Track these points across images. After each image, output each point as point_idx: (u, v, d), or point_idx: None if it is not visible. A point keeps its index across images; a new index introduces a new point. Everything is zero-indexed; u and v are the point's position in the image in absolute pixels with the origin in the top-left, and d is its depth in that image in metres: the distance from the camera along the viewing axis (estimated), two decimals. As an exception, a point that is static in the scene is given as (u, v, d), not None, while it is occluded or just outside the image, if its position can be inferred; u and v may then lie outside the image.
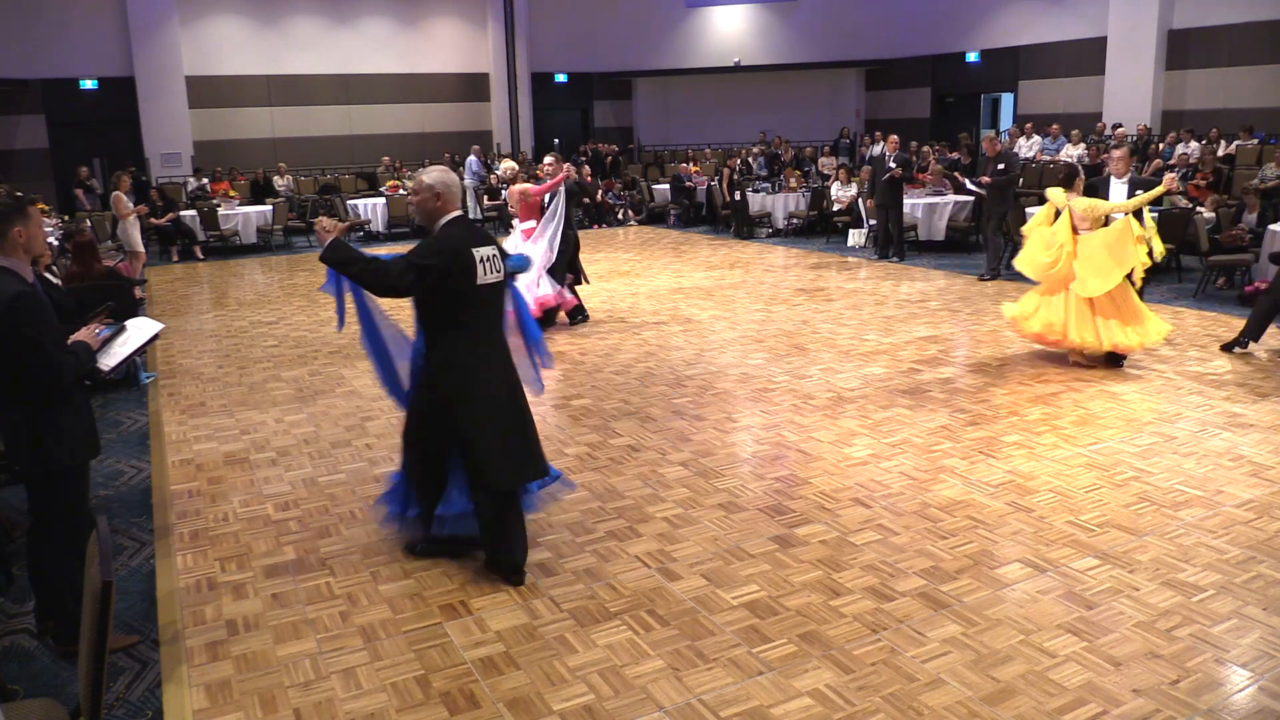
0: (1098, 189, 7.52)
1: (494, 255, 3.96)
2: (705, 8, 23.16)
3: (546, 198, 8.72)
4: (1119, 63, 17.76)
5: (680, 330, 8.84)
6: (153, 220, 14.34)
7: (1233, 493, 4.79)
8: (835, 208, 14.94)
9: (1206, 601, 3.75)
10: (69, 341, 3.47)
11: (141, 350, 4.02)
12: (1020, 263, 7.36)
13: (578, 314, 9.23)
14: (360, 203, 16.87)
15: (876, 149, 16.20)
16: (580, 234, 9.58)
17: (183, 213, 15.11)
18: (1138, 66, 17.47)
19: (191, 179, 18.09)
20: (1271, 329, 7.51)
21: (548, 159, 9.15)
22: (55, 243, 10.06)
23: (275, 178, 18.35)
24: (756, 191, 16.28)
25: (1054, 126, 17.68)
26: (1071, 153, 16.38)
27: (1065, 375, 6.99)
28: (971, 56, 21.17)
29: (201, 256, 14.93)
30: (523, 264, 4.56)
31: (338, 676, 3.42)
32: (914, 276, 11.53)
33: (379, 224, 16.67)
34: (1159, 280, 10.35)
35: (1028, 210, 11.70)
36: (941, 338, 8.28)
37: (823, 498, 4.87)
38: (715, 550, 4.32)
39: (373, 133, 21.31)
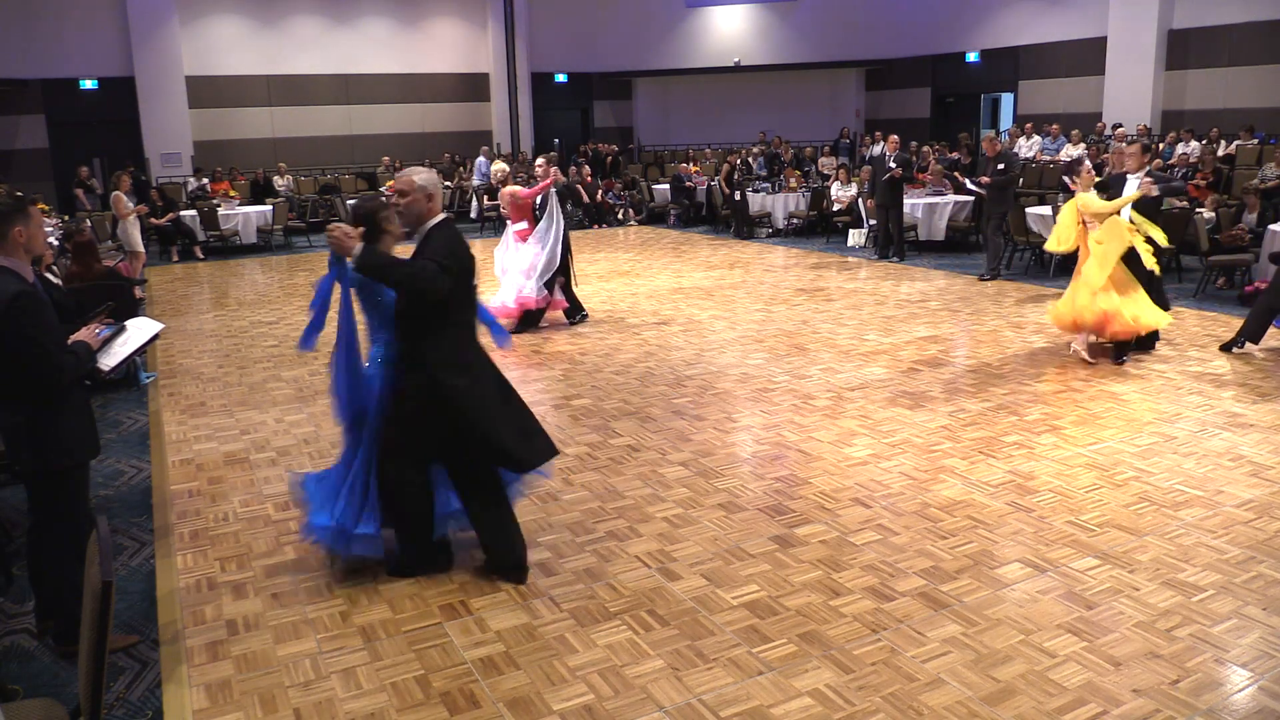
0: (1108, 187, 7.65)
1: None
2: (705, 8, 23.16)
3: (539, 199, 8.74)
4: (1119, 63, 17.76)
5: (680, 330, 8.85)
6: (153, 220, 14.34)
7: (1233, 493, 4.79)
8: (835, 208, 14.94)
9: (1206, 601, 3.75)
10: (69, 341, 3.47)
11: (141, 350, 4.02)
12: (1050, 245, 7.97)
13: (576, 313, 9.23)
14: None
15: (876, 149, 16.20)
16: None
17: (183, 213, 15.11)
18: (1138, 66, 17.47)
19: (191, 179, 18.09)
20: (1272, 329, 7.51)
21: (539, 160, 9.18)
22: (55, 243, 10.06)
23: (275, 178, 18.36)
24: (756, 191, 16.28)
25: (1054, 126, 17.68)
26: (1071, 153, 16.38)
27: (1065, 375, 6.99)
28: (971, 56, 21.17)
29: (201, 256, 14.93)
30: None
31: (338, 676, 3.42)
32: (914, 276, 11.53)
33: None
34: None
35: (1028, 210, 11.73)
36: (941, 338, 8.28)
37: (823, 498, 4.87)
38: (715, 550, 4.32)
39: (373, 133, 21.31)
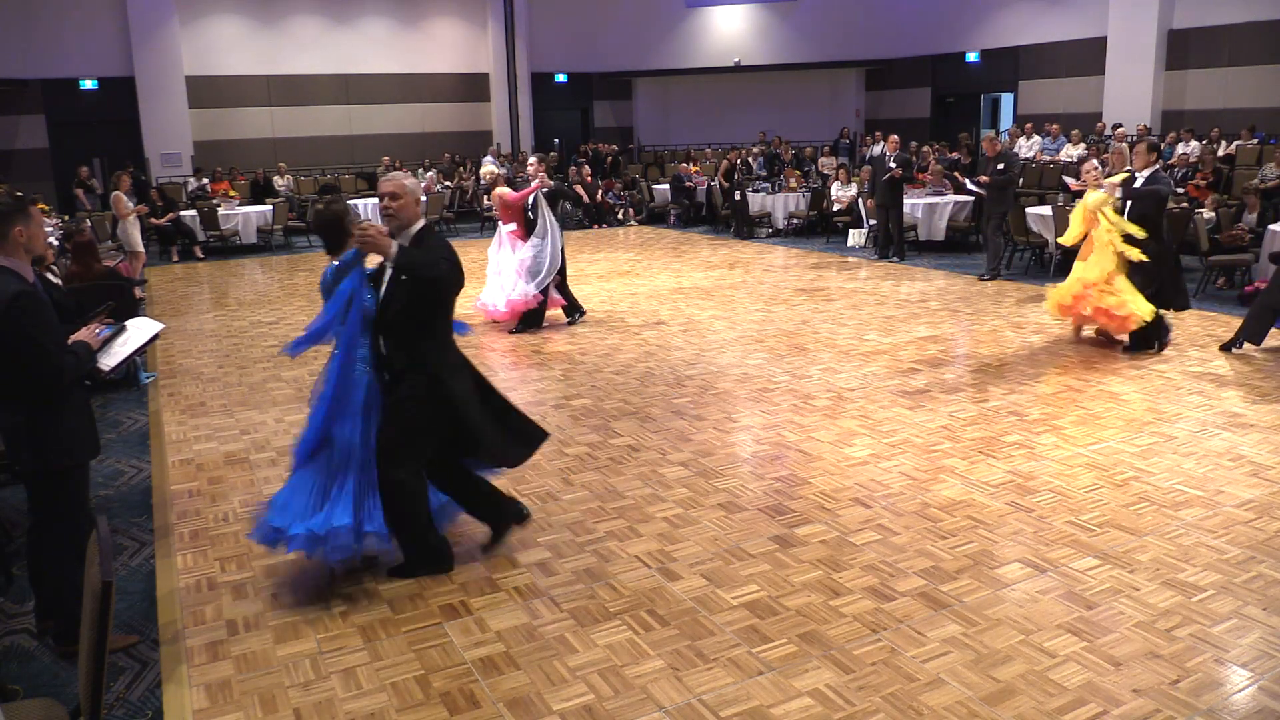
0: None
1: None
2: (705, 8, 23.15)
3: (530, 200, 8.74)
4: (1119, 63, 17.75)
5: (680, 330, 8.84)
6: (153, 220, 14.34)
7: (1233, 493, 4.79)
8: (835, 208, 14.94)
9: (1206, 601, 3.75)
10: (69, 341, 3.47)
11: (141, 350, 4.02)
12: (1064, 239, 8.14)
13: (573, 312, 9.24)
14: (360, 203, 16.84)
15: (876, 149, 16.19)
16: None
17: (183, 213, 15.11)
18: (1138, 66, 17.46)
19: (191, 179, 18.09)
20: (1272, 330, 7.51)
21: (531, 159, 9.20)
22: (55, 243, 10.06)
23: (275, 178, 18.35)
24: (756, 191, 16.28)
25: (1054, 126, 17.68)
26: (1072, 153, 16.38)
27: (1065, 375, 7.00)
28: (971, 56, 21.17)
29: (201, 256, 14.93)
30: None
31: (338, 676, 3.42)
32: (914, 276, 11.53)
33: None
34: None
35: (1028, 210, 11.73)
36: (941, 338, 8.28)
37: (823, 498, 4.87)
38: (715, 550, 4.32)
39: (373, 133, 21.30)
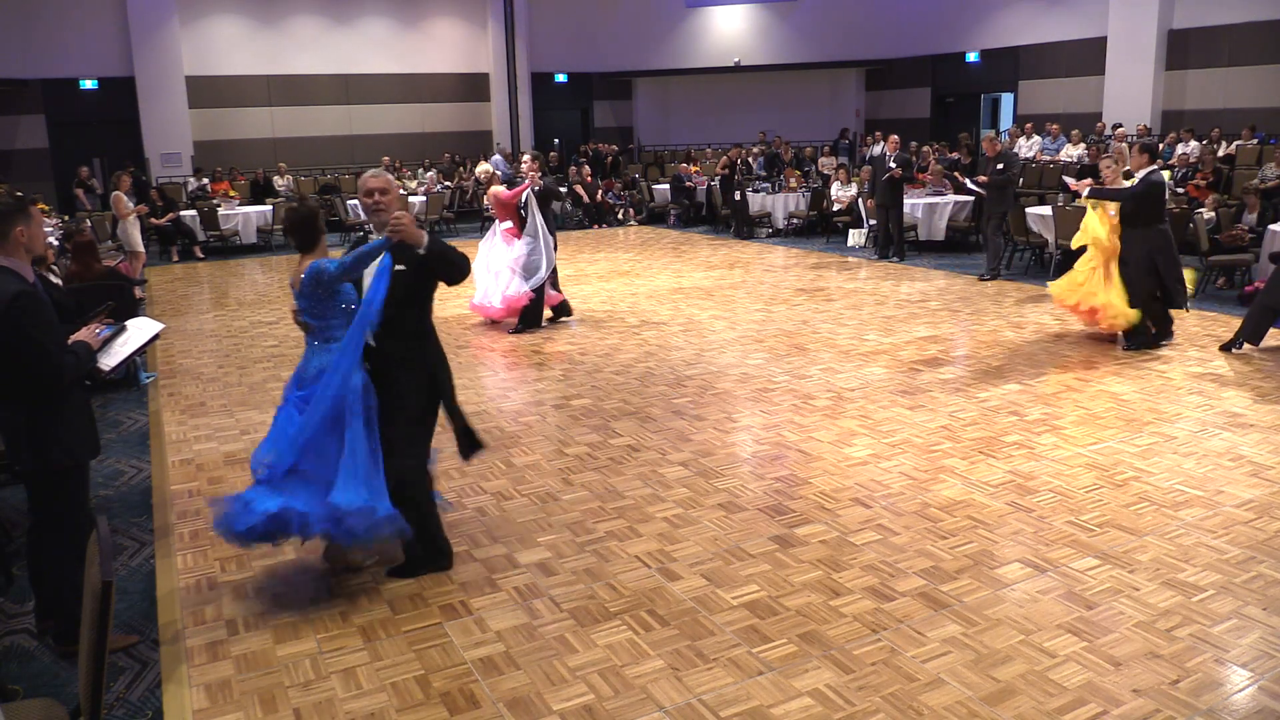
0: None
1: None
2: (705, 8, 23.15)
3: (523, 198, 8.75)
4: (1119, 63, 17.75)
5: (680, 330, 8.84)
6: (153, 220, 14.34)
7: (1233, 493, 4.79)
8: (835, 208, 14.94)
9: (1206, 601, 3.75)
10: (69, 341, 3.48)
11: (142, 350, 4.02)
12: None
13: (562, 310, 9.26)
14: (360, 203, 16.86)
15: (876, 149, 16.18)
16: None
17: (183, 213, 15.12)
18: (1138, 66, 17.46)
19: (191, 179, 18.09)
20: (1272, 330, 7.51)
21: (525, 157, 9.20)
22: (55, 243, 10.06)
23: (275, 178, 18.35)
24: (756, 191, 16.28)
25: (1054, 126, 17.68)
26: (1071, 153, 16.38)
27: (1065, 375, 7.00)
28: (971, 56, 21.17)
29: (201, 256, 14.93)
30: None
31: (338, 676, 3.42)
32: (914, 276, 11.53)
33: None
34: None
35: (1028, 210, 11.73)
36: (941, 338, 8.28)
37: (823, 498, 4.87)
38: (715, 550, 4.32)
39: (373, 133, 21.31)
